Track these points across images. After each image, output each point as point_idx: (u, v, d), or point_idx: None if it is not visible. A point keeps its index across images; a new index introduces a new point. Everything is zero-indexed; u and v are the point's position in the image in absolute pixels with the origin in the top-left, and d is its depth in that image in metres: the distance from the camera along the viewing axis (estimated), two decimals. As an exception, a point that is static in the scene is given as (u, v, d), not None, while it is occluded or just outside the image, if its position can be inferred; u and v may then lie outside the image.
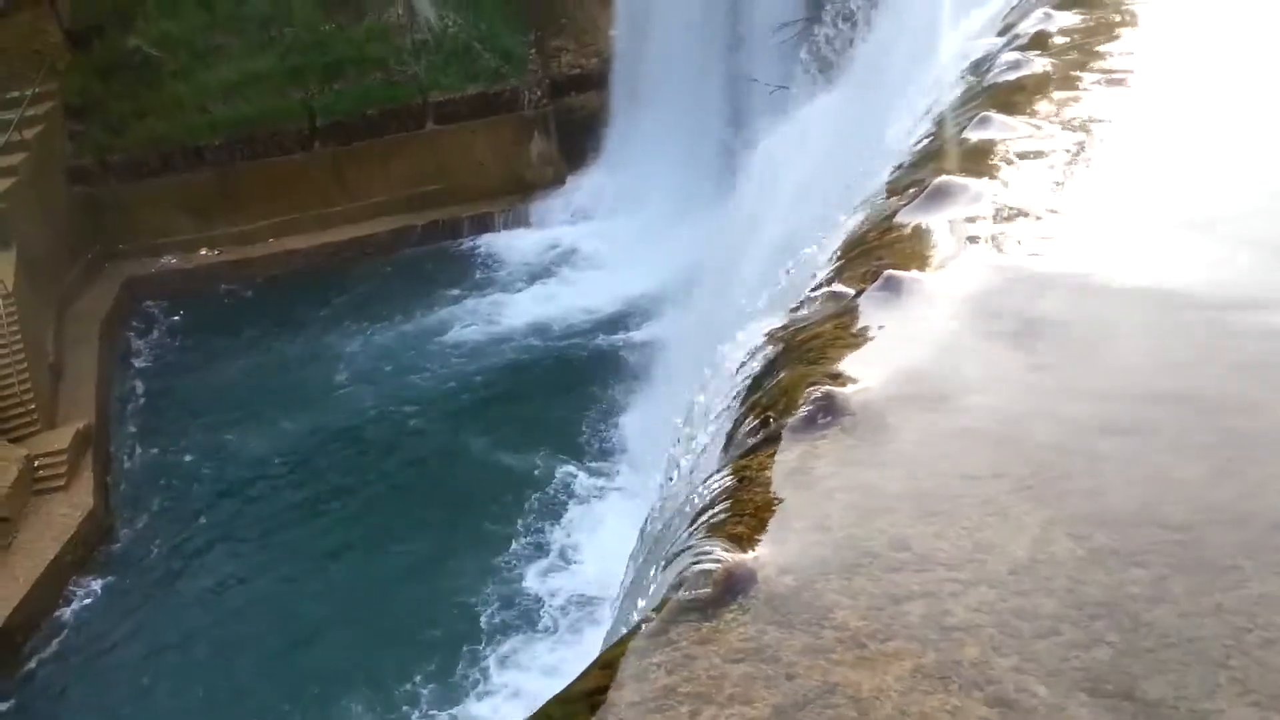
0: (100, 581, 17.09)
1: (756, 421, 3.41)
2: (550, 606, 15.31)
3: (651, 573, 3.50)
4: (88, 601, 16.72)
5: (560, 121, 28.79)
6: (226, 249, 26.85)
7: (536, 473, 18.37)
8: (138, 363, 23.91)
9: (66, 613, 16.46)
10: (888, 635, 2.50)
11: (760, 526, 2.86)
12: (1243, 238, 3.93)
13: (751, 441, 3.34)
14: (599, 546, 15.59)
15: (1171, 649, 2.39)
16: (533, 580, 15.92)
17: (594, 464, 18.47)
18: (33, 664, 15.57)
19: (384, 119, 27.03)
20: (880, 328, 3.48)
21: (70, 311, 23.93)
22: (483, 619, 15.23)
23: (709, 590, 2.66)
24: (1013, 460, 2.92)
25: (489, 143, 27.95)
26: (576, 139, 28.73)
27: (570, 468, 18.36)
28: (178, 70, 26.53)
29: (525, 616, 15.23)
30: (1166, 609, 2.47)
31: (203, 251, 26.89)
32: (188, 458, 20.19)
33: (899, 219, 4.14)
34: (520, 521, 17.18)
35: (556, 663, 13.72)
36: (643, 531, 4.87)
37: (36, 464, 18.23)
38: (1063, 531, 2.68)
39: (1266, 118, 4.99)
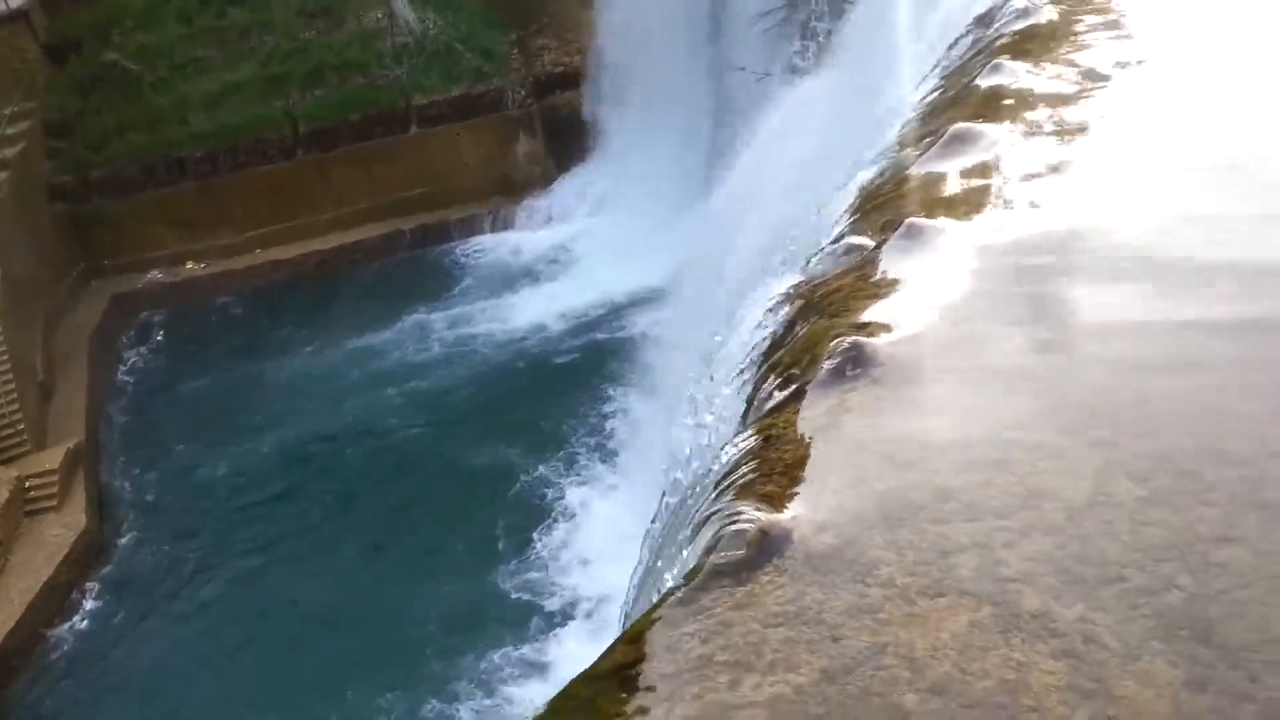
0: (95, 602, 16.81)
1: (779, 380, 3.22)
2: (558, 603, 15.11)
3: (674, 545, 3.31)
4: (83, 622, 16.44)
5: (546, 120, 28.56)
6: (213, 261, 26.55)
7: (533, 474, 18.14)
8: (128, 379, 23.61)
9: (62, 632, 16.19)
10: (938, 590, 2.32)
11: (792, 484, 2.67)
12: (1262, 180, 3.76)
13: (775, 400, 3.15)
14: (603, 541, 15.39)
15: (1247, 589, 2.21)
16: (538, 579, 15.70)
17: (592, 461, 18.27)
18: (28, 687, 15.30)
19: (367, 123, 26.76)
20: (904, 277, 3.30)
21: (58, 329, 23.63)
22: (485, 624, 15.00)
23: (742, 552, 2.47)
24: (1058, 403, 2.74)
25: (475, 144, 27.70)
26: (563, 137, 28.49)
27: (567, 466, 18.16)
28: (157, 82, 26.24)
29: (531, 616, 15.01)
30: (1238, 548, 2.29)
31: (189, 265, 26.60)
32: (180, 473, 19.92)
33: (915, 169, 3.95)
34: (518, 524, 16.94)
35: (565, 656, 13.52)
36: (656, 513, 4.68)
37: (28, 485, 17.95)
38: (1120, 472, 2.49)
39: (1273, 62, 4.80)
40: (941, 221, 3.43)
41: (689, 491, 3.67)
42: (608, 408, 19.72)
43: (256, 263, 26.49)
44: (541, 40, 29.88)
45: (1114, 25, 4.94)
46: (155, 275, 26.45)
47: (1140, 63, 4.60)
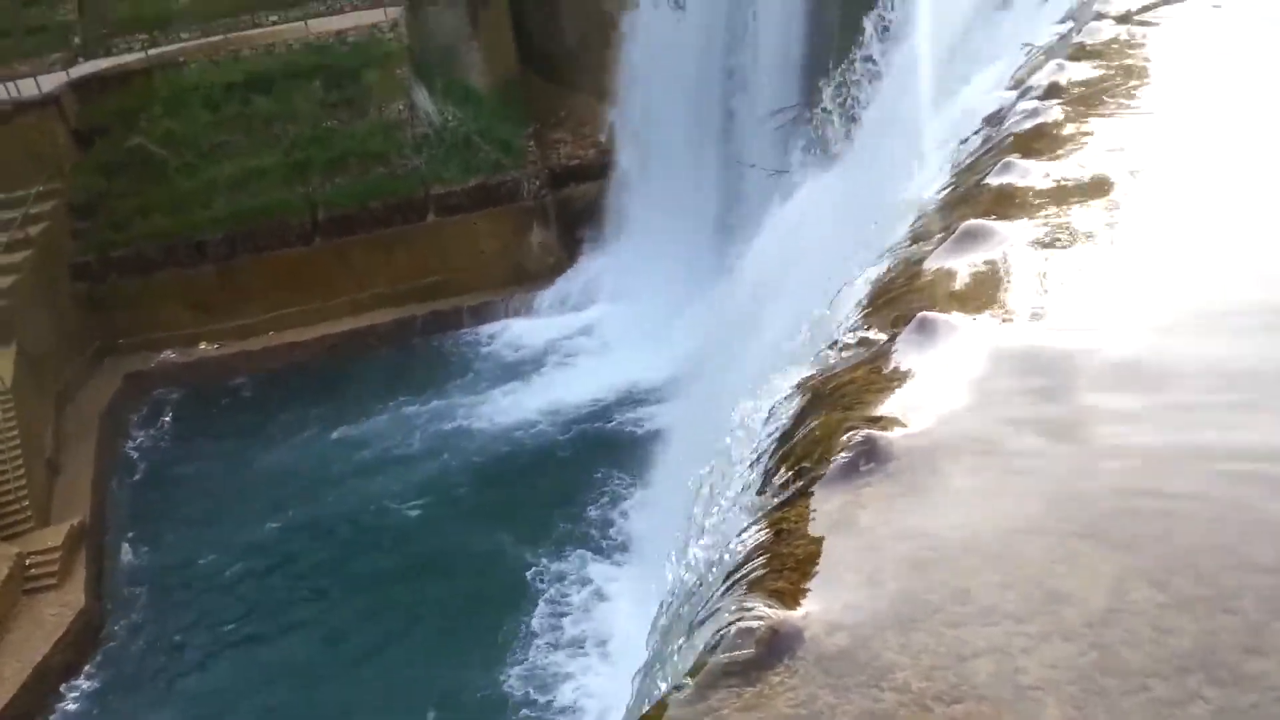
0: (91, 683, 16.51)
1: (790, 473, 3.17)
2: (560, 696, 14.76)
3: (679, 642, 3.22)
4: (77, 705, 16.12)
5: (560, 211, 29.03)
6: (226, 343, 26.76)
7: (543, 562, 17.93)
8: (136, 458, 23.60)
9: (54, 716, 15.86)
10: (955, 697, 2.23)
11: (804, 581, 2.61)
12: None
13: (786, 494, 3.09)
14: (611, 633, 15.10)
15: (1279, 704, 2.12)
16: (545, 672, 15.37)
17: (602, 550, 18.06)
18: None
19: (386, 211, 27.23)
20: (917, 371, 3.27)
21: (70, 406, 23.72)
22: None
23: (751, 651, 2.40)
24: (1075, 505, 2.68)
25: (490, 232, 28.11)
26: (576, 227, 28.95)
27: (577, 555, 17.95)
28: (182, 167, 26.83)
29: (532, 709, 14.66)
30: (1267, 661, 2.21)
31: (202, 346, 26.80)
32: (183, 554, 19.76)
33: (928, 264, 3.96)
34: (527, 613, 16.69)
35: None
36: (662, 604, 4.58)
37: (28, 562, 17.81)
38: (1141, 578, 2.42)
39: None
40: (954, 317, 3.42)
41: (697, 586, 3.59)
42: (616, 498, 19.58)
43: (270, 345, 26.68)
44: (558, 134, 30.55)
45: (1123, 127, 5.00)
46: (169, 355, 26.65)
47: (1149, 164, 4.64)
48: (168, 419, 24.94)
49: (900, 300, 3.86)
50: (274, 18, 29.72)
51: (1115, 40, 6.26)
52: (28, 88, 25.96)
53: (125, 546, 20.24)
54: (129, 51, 28.72)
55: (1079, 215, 4.32)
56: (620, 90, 27.63)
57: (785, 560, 2.73)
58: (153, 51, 28.35)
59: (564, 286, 28.33)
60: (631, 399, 23.19)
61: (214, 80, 27.26)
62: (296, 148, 27.17)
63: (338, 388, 25.05)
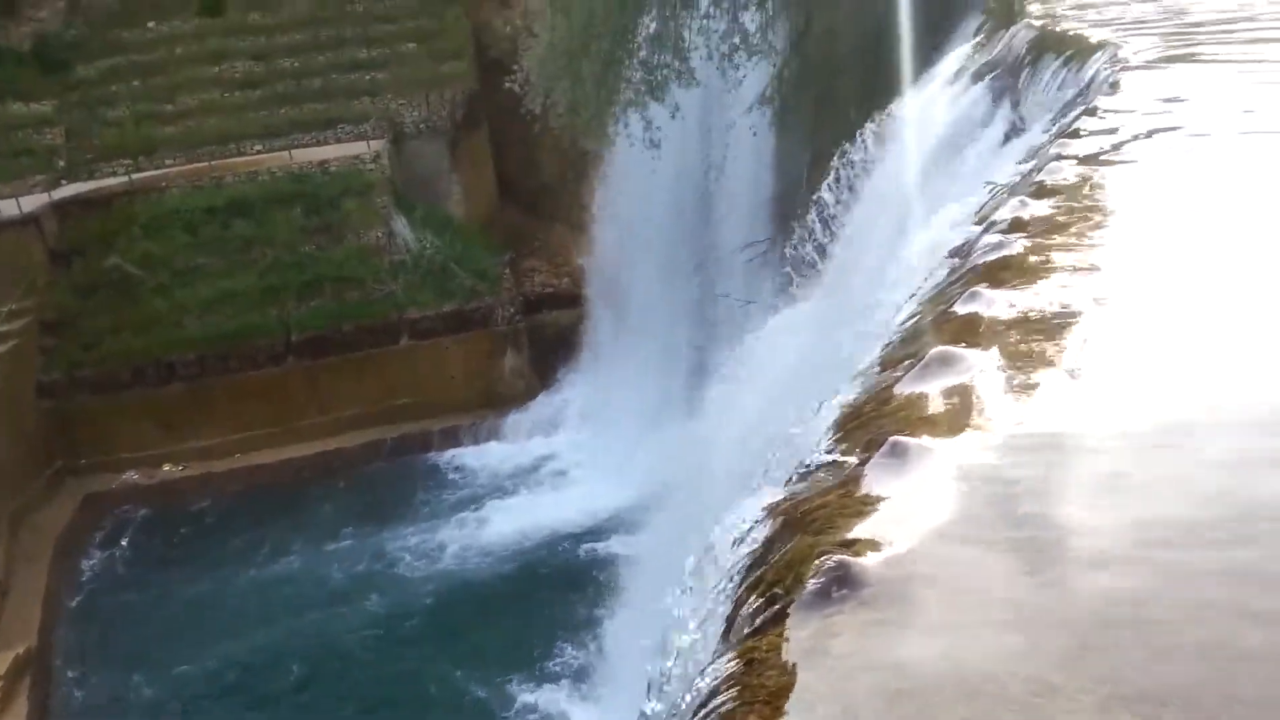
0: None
1: (761, 600, 3.08)
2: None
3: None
4: None
5: (533, 337, 29.28)
6: (192, 464, 26.36)
7: (507, 698, 17.32)
8: (90, 583, 22.86)
9: None
10: (934, 839, 2.11)
11: (776, 714, 2.49)
12: (1241, 404, 3.77)
13: (757, 622, 3.00)
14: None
15: None
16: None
17: (569, 683, 17.49)
18: None
19: (359, 334, 27.32)
20: (889, 495, 3.23)
21: (24, 527, 23.09)
22: None
23: (721, 789, 2.27)
24: (1052, 632, 2.60)
25: (462, 357, 28.21)
26: (548, 354, 29.15)
27: (544, 690, 17.36)
28: (157, 288, 26.93)
29: None
30: (1258, 801, 2.11)
31: (166, 467, 26.36)
32: (132, 684, 18.95)
33: (897, 389, 3.96)
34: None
35: None
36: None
37: (-33, 692, 16.99)
38: (1123, 710, 2.34)
39: (1245, 299, 4.95)
40: (925, 440, 3.40)
41: (669, 718, 3.45)
42: (584, 629, 19.09)
43: (236, 467, 26.33)
44: (533, 262, 31.06)
45: (1086, 259, 5.13)
46: (132, 476, 26.20)
47: (1113, 294, 4.74)
48: (126, 543, 24.30)
49: (871, 424, 3.84)
50: (259, 146, 30.37)
51: (1077, 179, 6.48)
52: (8, 208, 26.17)
53: (74, 675, 19.39)
54: (113, 175, 29.14)
55: (1047, 342, 4.37)
56: (595, 222, 28.26)
57: (757, 692, 2.62)
58: (136, 176, 28.78)
59: (535, 412, 28.33)
60: (600, 526, 22.91)
61: (195, 204, 27.64)
62: (273, 271, 27.39)
63: (302, 513, 24.58)
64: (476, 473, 26.31)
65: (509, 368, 28.90)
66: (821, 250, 15.64)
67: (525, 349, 29.06)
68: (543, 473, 26.21)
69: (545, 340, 29.56)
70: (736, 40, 18.09)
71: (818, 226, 16.10)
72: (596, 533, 22.57)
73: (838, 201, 14.38)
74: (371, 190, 28.37)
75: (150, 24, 33.05)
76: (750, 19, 18.36)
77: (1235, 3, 12.86)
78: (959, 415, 3.68)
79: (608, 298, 28.53)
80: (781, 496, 3.66)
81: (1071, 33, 11.47)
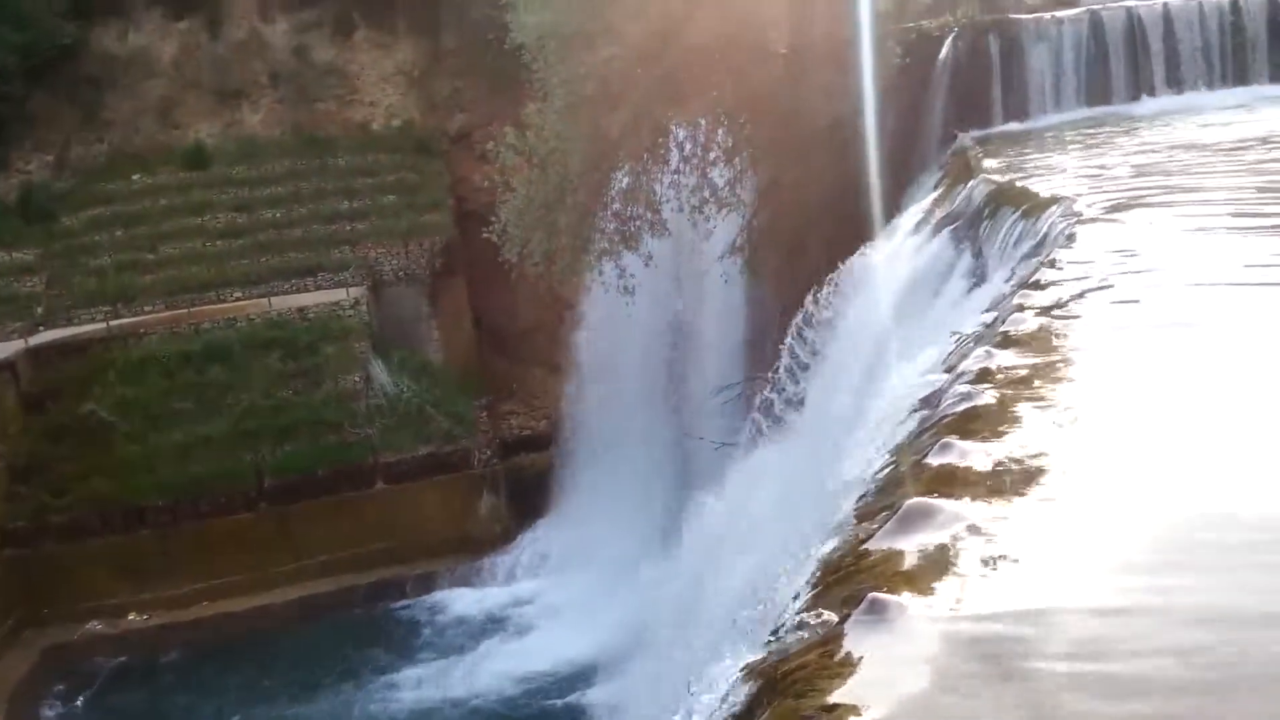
0: None
1: (744, 766, 3.07)
2: None
3: None
4: None
5: (510, 480, 29.16)
6: (158, 613, 25.63)
7: None
8: (43, 743, 21.89)
9: None
10: None
11: None
12: (1213, 561, 3.86)
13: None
14: None
15: None
16: None
17: None
18: None
19: (334, 478, 27.09)
20: (870, 655, 3.25)
21: (-24, 684, 22.22)
22: None
23: None
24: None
25: (438, 500, 27.97)
26: (526, 496, 28.99)
27: None
28: (130, 432, 26.71)
29: None
30: None
31: (131, 616, 25.62)
32: None
33: (873, 543, 4.03)
34: None
35: None
36: None
37: None
38: None
39: (1211, 447, 5.11)
40: (904, 597, 3.45)
41: None
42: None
43: (204, 615, 25.66)
44: (510, 405, 31.20)
45: (1053, 409, 5.29)
46: (95, 626, 25.42)
47: (1081, 444, 4.88)
48: (87, 698, 23.37)
49: (849, 580, 3.89)
50: (238, 293, 30.73)
51: (1040, 329, 6.71)
52: (-17, 354, 26.16)
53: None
54: (91, 322, 29.29)
55: (1021, 492, 4.47)
56: (572, 366, 28.55)
57: None
58: (115, 322, 28.94)
59: (512, 555, 27.97)
60: (580, 673, 22.35)
61: (172, 350, 27.74)
62: (248, 416, 27.32)
63: (271, 664, 23.83)
64: (452, 619, 25.73)
65: (486, 511, 28.64)
66: (794, 395, 15.88)
67: (502, 492, 28.88)
68: (520, 617, 25.69)
69: (523, 483, 29.42)
70: (706, 194, 18.78)
71: (790, 371, 16.38)
72: (576, 680, 22.00)
73: (809, 347, 14.69)
74: (349, 336, 28.63)
75: (135, 176, 33.82)
76: (719, 174, 19.11)
77: (1167, 155, 13.56)
78: (937, 571, 3.74)
79: (584, 440, 28.59)
80: (761, 656, 3.67)
81: (1026, 187, 12.03)
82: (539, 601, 26.21)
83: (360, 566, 26.95)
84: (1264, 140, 13.56)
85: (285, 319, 28.80)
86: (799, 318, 15.08)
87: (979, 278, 10.52)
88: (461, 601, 26.53)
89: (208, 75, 35.28)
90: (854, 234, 15.94)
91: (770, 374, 17.32)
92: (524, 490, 29.12)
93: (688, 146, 19.10)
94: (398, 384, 28.72)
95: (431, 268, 31.70)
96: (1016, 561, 3.76)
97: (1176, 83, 19.75)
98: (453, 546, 27.78)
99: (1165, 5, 20.12)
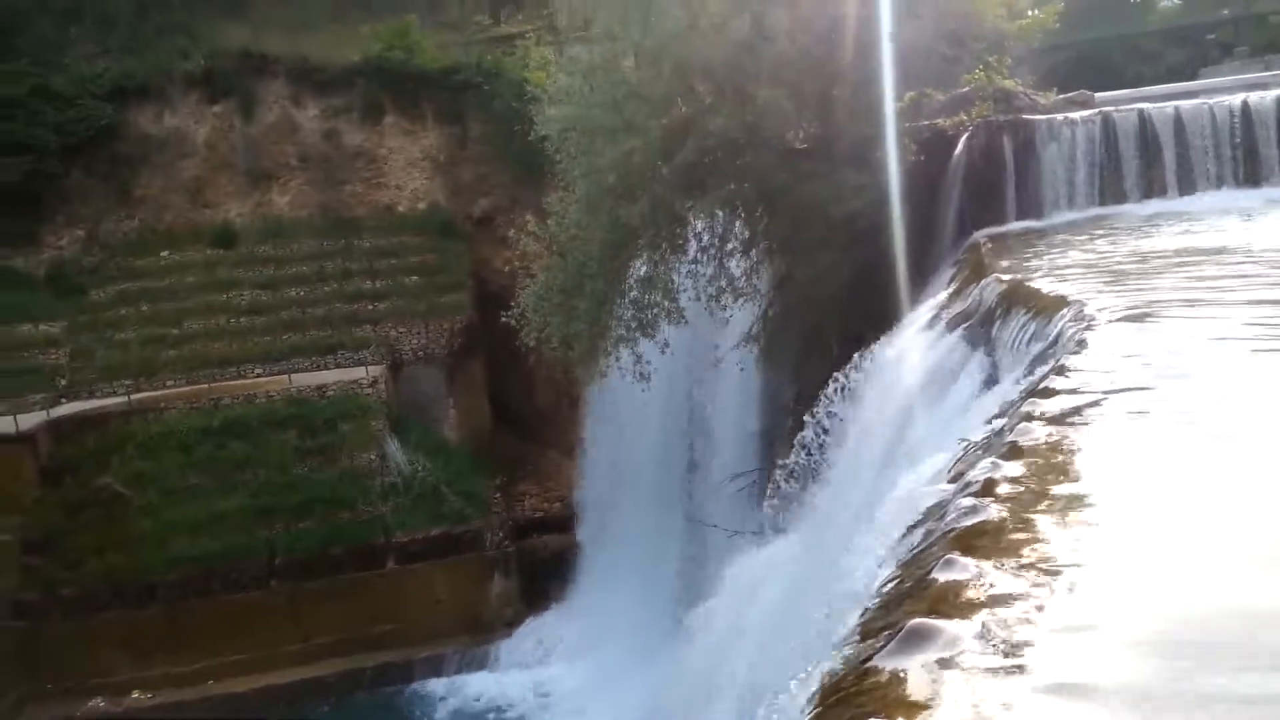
0: None
1: None
2: None
3: None
4: None
5: (521, 562, 29.01)
6: (162, 691, 25.43)
7: None
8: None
9: None
10: None
11: None
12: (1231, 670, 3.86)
13: None
14: None
15: None
16: None
17: None
18: None
19: (346, 557, 27.05)
20: (870, 781, 3.28)
21: (-24, 761, 22.00)
22: None
23: None
24: None
25: (449, 581, 27.83)
26: (538, 580, 28.80)
27: None
28: (145, 506, 26.84)
29: None
30: None
31: (135, 694, 25.42)
32: None
33: (876, 663, 4.06)
34: None
35: None
36: None
37: None
38: None
39: (1224, 571, 5.10)
40: (904, 723, 3.48)
41: None
42: None
43: (209, 694, 25.45)
44: (524, 486, 31.20)
45: (1060, 527, 5.31)
46: (98, 703, 25.25)
47: (1089, 565, 4.89)
48: (83, 779, 23.09)
49: (851, 700, 3.92)
50: (259, 370, 31.09)
51: (1048, 440, 6.74)
52: (5, 425, 26.46)
53: None
54: (112, 395, 29.65)
55: (1024, 614, 4.48)
56: (587, 448, 28.62)
57: None
58: (135, 396, 29.28)
59: (521, 640, 27.69)
60: (585, 767, 21.92)
61: (191, 425, 27.98)
62: (264, 492, 27.43)
63: (274, 746, 23.53)
64: (459, 706, 25.39)
65: (497, 593, 28.44)
66: (806, 486, 15.86)
67: (514, 574, 28.70)
68: (529, 704, 25.32)
69: (535, 565, 29.26)
70: (723, 283, 19.03)
71: (803, 462, 16.39)
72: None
73: (822, 438, 14.73)
74: (367, 414, 28.85)
75: (164, 253, 34.57)
76: (736, 265, 19.38)
77: (1177, 257, 13.67)
78: (939, 696, 3.76)
79: (598, 524, 28.50)
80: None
81: (1037, 288, 12.14)
82: (548, 688, 25.87)
83: (368, 647, 26.72)
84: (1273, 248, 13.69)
85: (304, 396, 29.09)
86: (813, 410, 15.13)
87: (990, 379, 10.58)
88: (469, 688, 26.21)
89: (239, 156, 36.26)
90: (869, 328, 16.07)
91: (783, 464, 17.32)
92: (536, 573, 28.94)
93: (705, 237, 19.40)
94: (413, 462, 28.81)
95: (451, 348, 32.06)
96: (1020, 690, 3.77)
97: (1189, 184, 20.00)
98: (461, 629, 27.56)
99: (1176, 108, 20.51)
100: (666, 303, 18.76)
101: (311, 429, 28.45)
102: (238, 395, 29.22)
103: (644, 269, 19.03)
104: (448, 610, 27.59)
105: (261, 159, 36.34)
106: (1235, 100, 20.44)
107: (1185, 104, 20.78)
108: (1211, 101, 20.78)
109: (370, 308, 33.04)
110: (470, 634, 27.48)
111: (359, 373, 30.20)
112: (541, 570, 28.98)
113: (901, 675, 3.95)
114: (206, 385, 30.17)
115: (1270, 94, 20.45)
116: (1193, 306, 10.67)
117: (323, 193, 36.57)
